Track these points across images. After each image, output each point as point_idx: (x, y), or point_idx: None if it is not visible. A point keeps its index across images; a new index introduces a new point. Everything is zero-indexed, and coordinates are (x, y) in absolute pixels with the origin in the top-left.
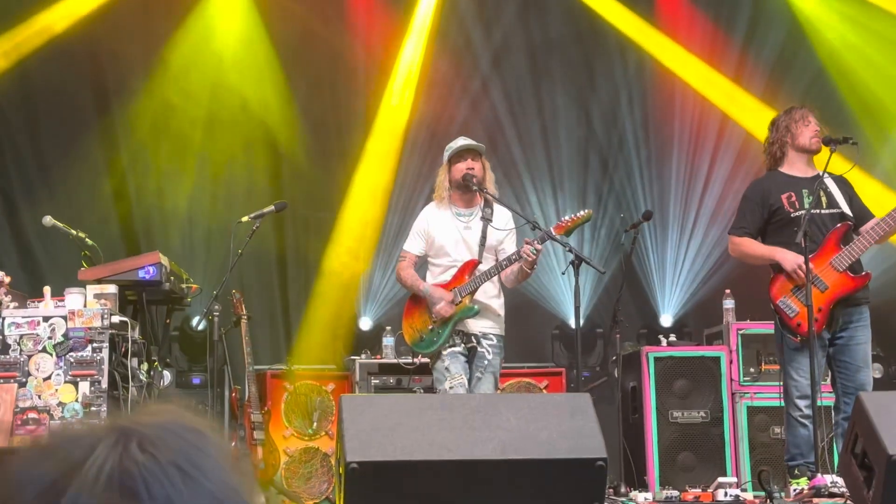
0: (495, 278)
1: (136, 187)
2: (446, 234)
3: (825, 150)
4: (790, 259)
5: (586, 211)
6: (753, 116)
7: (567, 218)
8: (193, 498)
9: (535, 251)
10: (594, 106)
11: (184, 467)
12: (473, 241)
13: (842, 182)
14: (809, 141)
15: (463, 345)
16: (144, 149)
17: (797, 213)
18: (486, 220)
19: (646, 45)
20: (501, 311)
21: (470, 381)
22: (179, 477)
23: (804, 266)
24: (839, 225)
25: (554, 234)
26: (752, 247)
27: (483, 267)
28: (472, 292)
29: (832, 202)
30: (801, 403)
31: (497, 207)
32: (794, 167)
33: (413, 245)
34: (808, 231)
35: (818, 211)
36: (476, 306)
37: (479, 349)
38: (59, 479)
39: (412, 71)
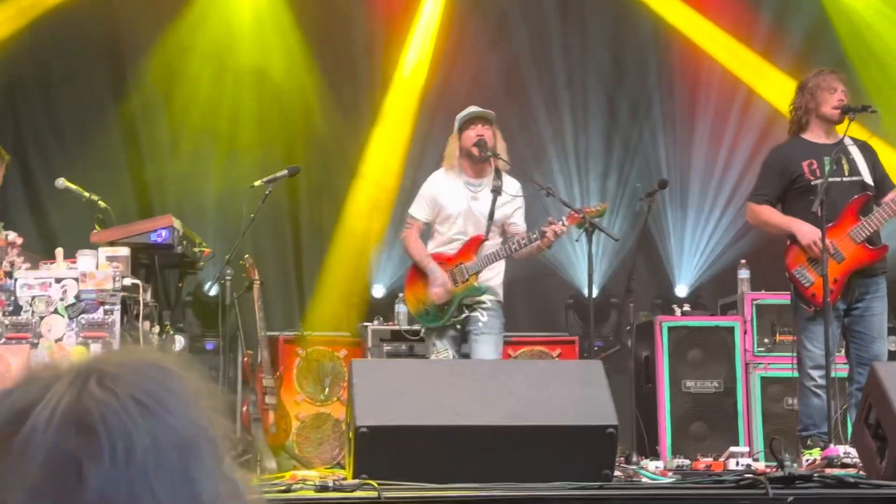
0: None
1: (149, 151)
2: (455, 203)
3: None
4: (806, 233)
5: (602, 204)
6: (779, 91)
7: (582, 208)
8: (154, 433)
9: (556, 234)
10: (619, 76)
11: (144, 402)
12: (481, 213)
13: (865, 148)
14: (832, 110)
15: (455, 318)
16: (159, 113)
17: (818, 181)
18: (496, 191)
19: (670, 17)
20: (500, 279)
21: (470, 347)
22: (139, 411)
23: (819, 243)
24: (859, 195)
25: (574, 207)
26: (771, 215)
27: (490, 242)
28: (479, 272)
29: (854, 169)
30: (815, 374)
31: (507, 178)
32: (816, 134)
33: (420, 211)
34: (826, 200)
35: (839, 179)
36: (483, 286)
37: (471, 315)
38: (15, 416)
39: (429, 34)
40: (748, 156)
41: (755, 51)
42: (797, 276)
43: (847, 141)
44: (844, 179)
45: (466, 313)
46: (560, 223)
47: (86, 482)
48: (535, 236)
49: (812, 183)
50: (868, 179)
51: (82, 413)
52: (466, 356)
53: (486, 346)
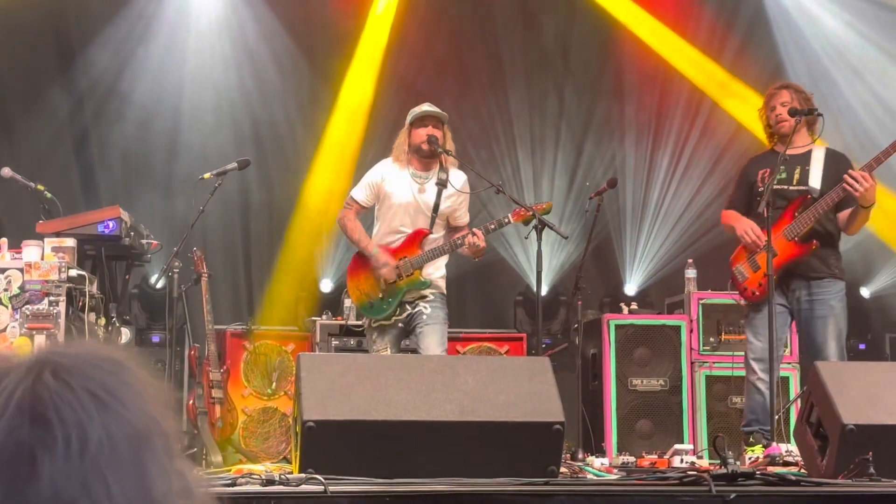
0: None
1: (98, 141)
2: (400, 193)
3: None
4: (742, 224)
5: (546, 203)
6: (739, 102)
7: (528, 205)
8: (108, 425)
9: (478, 245)
10: (571, 77)
11: (98, 394)
12: (426, 204)
13: (835, 160)
14: (776, 125)
15: (398, 317)
16: (107, 101)
17: (763, 188)
18: (441, 184)
19: (643, 34)
20: (443, 272)
21: (417, 339)
22: (93, 403)
23: (750, 232)
24: (798, 197)
25: (507, 221)
26: (727, 217)
27: (433, 236)
28: (422, 267)
29: (803, 180)
30: (756, 366)
31: (453, 172)
32: (780, 145)
33: (361, 193)
34: (772, 202)
35: (785, 186)
36: (428, 280)
37: (413, 311)
38: None
39: (383, 26)
40: (709, 166)
41: (723, 66)
42: (735, 273)
43: (816, 153)
44: (791, 188)
45: (409, 311)
46: (474, 236)
47: (38, 473)
48: (460, 242)
49: (760, 190)
50: (815, 186)
51: (37, 403)
52: (405, 352)
53: (432, 337)
